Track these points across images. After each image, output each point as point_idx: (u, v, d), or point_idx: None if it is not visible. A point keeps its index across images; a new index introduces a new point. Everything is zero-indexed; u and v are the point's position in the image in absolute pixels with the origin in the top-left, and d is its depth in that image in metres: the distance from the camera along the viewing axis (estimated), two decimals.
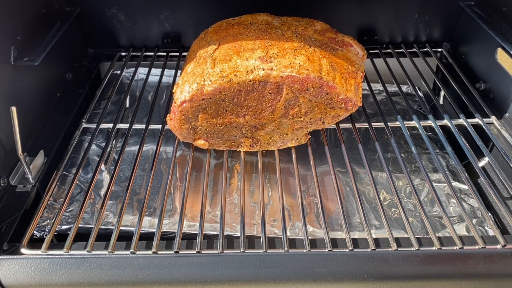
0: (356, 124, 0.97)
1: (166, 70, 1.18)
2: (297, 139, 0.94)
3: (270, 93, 0.83)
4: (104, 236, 0.79)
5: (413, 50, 1.25)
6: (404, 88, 1.23)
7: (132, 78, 1.14)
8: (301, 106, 0.86)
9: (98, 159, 0.97)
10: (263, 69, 0.81)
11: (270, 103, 0.85)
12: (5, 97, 0.88)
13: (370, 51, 1.22)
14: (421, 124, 0.98)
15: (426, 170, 0.92)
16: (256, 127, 0.90)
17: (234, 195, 0.92)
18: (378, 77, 1.13)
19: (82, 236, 0.77)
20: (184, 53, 1.24)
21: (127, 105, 1.16)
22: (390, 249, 0.73)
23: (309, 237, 0.75)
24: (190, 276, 0.74)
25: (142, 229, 0.83)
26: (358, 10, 1.23)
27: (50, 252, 0.73)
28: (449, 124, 0.98)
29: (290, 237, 0.82)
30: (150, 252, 0.73)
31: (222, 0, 1.20)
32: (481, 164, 0.95)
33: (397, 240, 0.75)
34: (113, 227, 0.79)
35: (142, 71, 1.25)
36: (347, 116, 0.91)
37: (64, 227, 0.84)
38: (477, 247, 0.74)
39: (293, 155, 0.92)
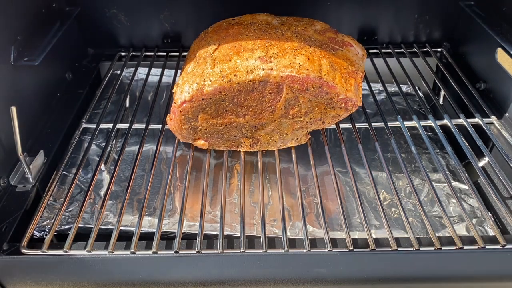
0: (356, 124, 0.97)
1: (166, 70, 1.18)
2: (297, 139, 0.94)
3: (270, 93, 0.83)
4: (104, 236, 0.79)
5: (413, 50, 1.25)
6: (404, 88, 1.23)
7: (132, 78, 1.14)
8: (301, 106, 0.86)
9: (98, 159, 0.97)
10: (263, 69, 0.81)
11: (270, 103, 0.85)
12: (5, 97, 0.88)
13: (370, 51, 1.22)
14: (421, 124, 0.98)
15: (426, 170, 0.91)
16: (256, 127, 0.90)
17: (234, 195, 0.92)
18: (378, 77, 1.13)
19: (82, 236, 0.76)
20: (184, 53, 1.24)
21: (127, 105, 1.16)
22: (390, 249, 0.73)
23: (309, 237, 0.75)
24: (190, 276, 0.75)
25: (142, 229, 0.83)
26: (358, 10, 1.23)
27: (50, 252, 0.73)
28: (449, 124, 0.98)
29: (290, 237, 0.82)
30: (150, 252, 0.73)
31: (222, 0, 1.20)
32: (481, 164, 0.94)
33: (397, 240, 0.75)
34: (113, 227, 0.79)
35: (142, 71, 1.25)
36: (347, 116, 0.91)
37: (64, 227, 0.84)
38: (477, 247, 0.74)
39: (293, 155, 0.92)
